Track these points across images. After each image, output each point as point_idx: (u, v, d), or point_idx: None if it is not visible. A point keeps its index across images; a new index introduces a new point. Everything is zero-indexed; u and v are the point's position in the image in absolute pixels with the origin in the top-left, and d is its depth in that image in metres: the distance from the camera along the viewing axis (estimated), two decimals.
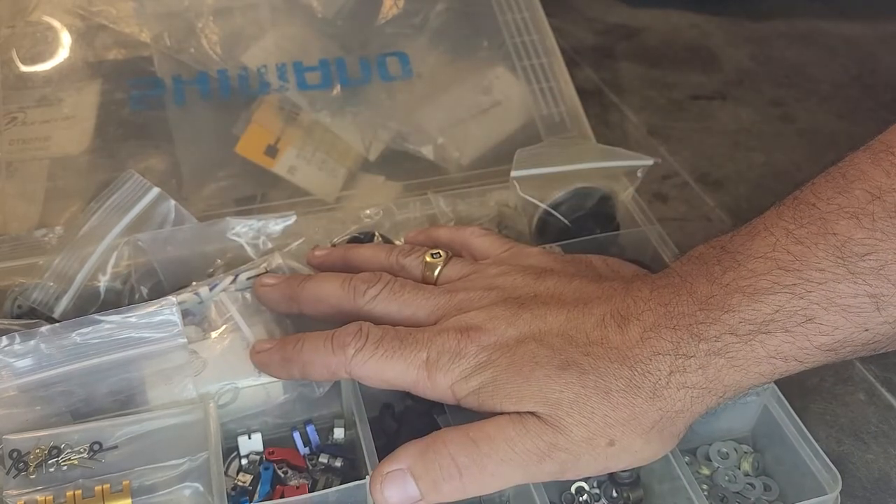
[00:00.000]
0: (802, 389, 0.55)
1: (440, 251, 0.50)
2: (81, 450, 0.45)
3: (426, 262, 0.50)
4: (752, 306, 0.39)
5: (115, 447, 0.45)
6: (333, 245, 0.57)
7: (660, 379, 0.41)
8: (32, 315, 0.52)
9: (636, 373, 0.41)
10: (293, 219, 0.56)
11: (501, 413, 0.42)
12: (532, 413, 0.41)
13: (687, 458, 0.48)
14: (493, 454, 0.41)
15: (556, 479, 0.43)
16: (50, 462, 0.44)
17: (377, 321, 0.46)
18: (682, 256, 0.45)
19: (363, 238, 0.58)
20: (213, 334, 0.49)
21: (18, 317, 0.52)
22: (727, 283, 0.40)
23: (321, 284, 0.49)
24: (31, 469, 0.44)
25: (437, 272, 0.50)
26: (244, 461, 0.48)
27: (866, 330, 0.38)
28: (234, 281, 0.52)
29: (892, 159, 0.38)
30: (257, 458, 0.48)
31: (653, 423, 0.41)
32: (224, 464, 0.46)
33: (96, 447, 0.45)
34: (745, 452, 0.50)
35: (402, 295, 0.47)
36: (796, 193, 0.41)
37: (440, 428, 0.48)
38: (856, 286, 0.37)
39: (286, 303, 0.50)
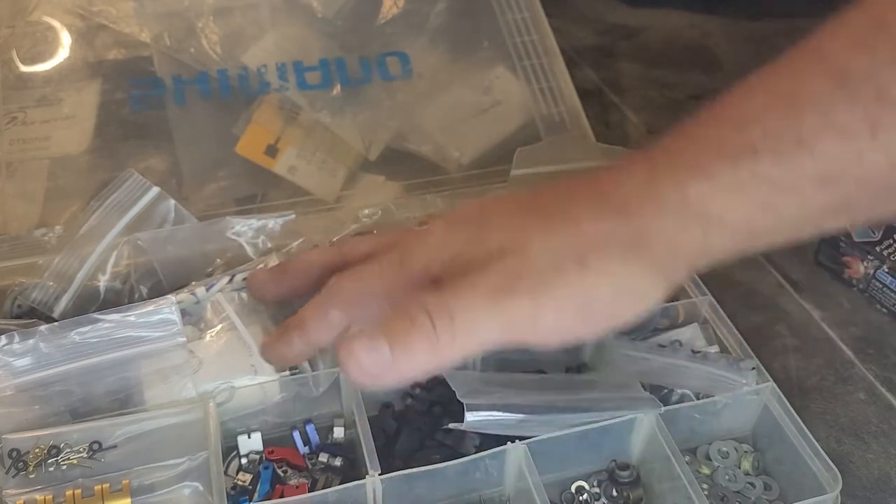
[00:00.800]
0: (802, 389, 0.55)
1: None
2: (81, 449, 0.45)
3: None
4: (735, 129, 0.37)
5: (115, 447, 0.45)
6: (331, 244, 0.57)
7: (631, 201, 0.38)
8: (32, 315, 0.52)
9: (605, 197, 0.38)
10: (293, 216, 0.56)
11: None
12: (500, 252, 0.38)
13: (687, 458, 0.48)
14: (460, 297, 0.37)
15: (536, 332, 0.38)
16: (49, 461, 0.44)
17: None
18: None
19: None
20: (210, 334, 0.49)
21: (18, 316, 0.52)
22: (707, 122, 0.38)
23: (308, 255, 0.49)
24: (30, 468, 0.44)
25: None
26: (244, 460, 0.48)
27: (860, 159, 0.35)
28: (230, 281, 0.52)
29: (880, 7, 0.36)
30: (257, 457, 0.48)
31: (626, 243, 0.37)
32: (224, 463, 0.46)
33: (95, 447, 0.45)
34: (746, 452, 0.50)
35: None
36: (797, 44, 0.39)
37: (440, 427, 0.48)
38: (853, 109, 0.35)
39: (276, 284, 0.49)
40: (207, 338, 0.49)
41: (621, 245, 0.37)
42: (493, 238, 0.39)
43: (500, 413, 0.44)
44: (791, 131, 0.36)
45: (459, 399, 0.44)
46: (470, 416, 0.43)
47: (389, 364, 0.37)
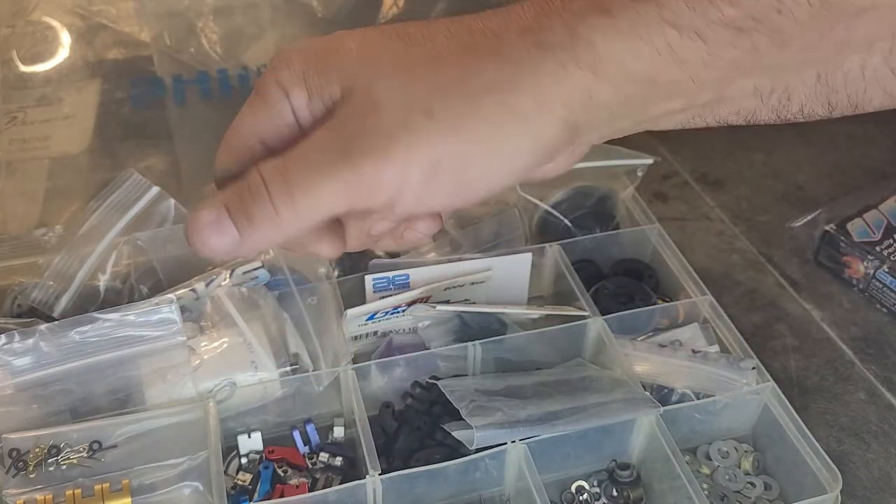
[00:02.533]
0: (802, 389, 0.55)
1: None
2: (81, 449, 0.45)
3: None
4: None
5: (115, 446, 0.45)
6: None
7: (506, 37, 0.32)
8: (32, 314, 0.52)
9: (476, 33, 0.32)
10: None
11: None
12: (344, 100, 0.33)
13: (687, 458, 0.48)
14: (297, 162, 0.33)
15: (385, 198, 0.32)
16: (49, 461, 0.44)
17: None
18: None
19: None
20: (210, 331, 0.49)
21: (18, 316, 0.52)
22: None
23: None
24: (30, 468, 0.44)
25: None
26: (244, 460, 0.48)
27: (780, 3, 0.30)
28: (230, 276, 0.52)
29: None
30: (257, 456, 0.48)
31: (483, 87, 0.32)
32: (224, 463, 0.46)
33: (95, 446, 0.45)
34: (746, 451, 0.50)
35: None
36: None
37: (440, 426, 0.48)
38: None
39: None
40: (208, 335, 0.49)
41: (478, 90, 0.32)
42: (339, 81, 0.34)
43: (506, 429, 0.45)
44: None
45: (465, 418, 0.45)
46: (479, 438, 0.44)
47: (238, 241, 0.33)
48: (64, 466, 0.44)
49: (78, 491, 0.43)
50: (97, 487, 0.44)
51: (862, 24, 0.31)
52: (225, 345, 0.49)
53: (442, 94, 0.32)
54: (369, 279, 0.52)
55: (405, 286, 0.53)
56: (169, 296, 0.49)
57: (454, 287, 0.53)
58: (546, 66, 0.31)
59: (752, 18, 0.31)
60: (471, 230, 0.58)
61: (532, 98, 0.32)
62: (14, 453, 0.44)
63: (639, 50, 0.31)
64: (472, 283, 0.53)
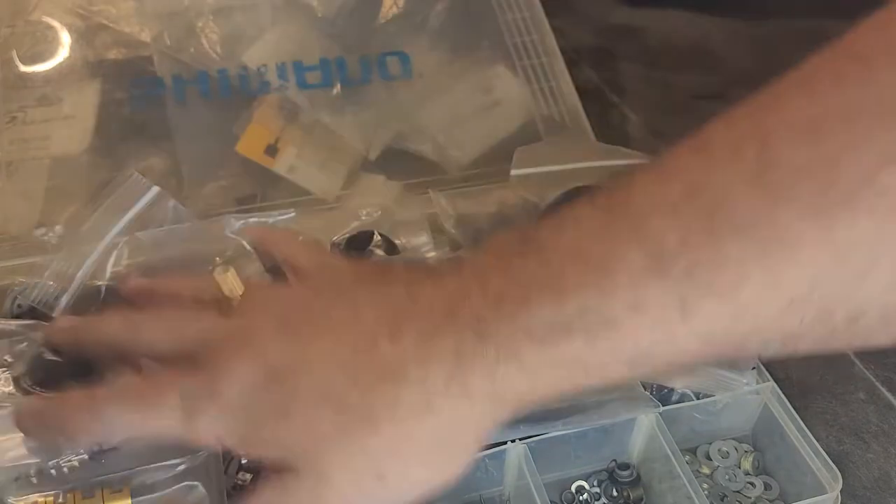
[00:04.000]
0: (802, 389, 0.55)
1: (236, 278, 0.43)
2: (81, 451, 0.45)
3: (222, 292, 0.43)
4: (551, 304, 0.34)
5: (115, 448, 0.45)
6: (333, 243, 0.57)
7: (435, 390, 0.35)
8: (32, 314, 0.52)
9: (406, 389, 0.35)
10: (292, 215, 0.56)
11: (267, 464, 0.38)
12: (292, 469, 0.36)
13: (687, 457, 0.48)
14: None
15: None
16: (51, 463, 0.44)
17: (156, 360, 0.41)
18: (478, 246, 0.38)
19: (362, 237, 0.58)
20: None
21: (18, 316, 0.52)
22: (526, 278, 0.35)
23: (103, 320, 0.44)
24: (31, 471, 0.44)
25: (234, 302, 0.43)
26: (244, 459, 0.48)
27: (672, 341, 0.34)
28: None
29: (711, 150, 0.34)
30: (263, 475, 0.48)
31: (429, 444, 0.36)
32: (223, 462, 0.46)
33: (96, 448, 0.45)
34: (746, 451, 0.50)
35: (179, 327, 0.41)
36: (614, 182, 0.36)
37: None
38: (664, 289, 0.33)
39: (72, 343, 0.46)
40: None
41: (423, 448, 0.36)
42: (288, 449, 0.37)
43: (507, 428, 0.45)
44: (604, 310, 0.34)
45: None
46: None
47: None
48: (65, 470, 0.44)
49: (78, 493, 0.43)
50: (97, 490, 0.43)
51: (750, 340, 0.35)
52: None
53: (389, 457, 0.36)
54: None
55: None
56: None
57: None
58: (474, 414, 0.36)
59: (650, 353, 0.35)
60: (470, 230, 0.58)
61: (473, 436, 0.37)
62: None
63: (544, 386, 0.36)
64: None
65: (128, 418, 0.38)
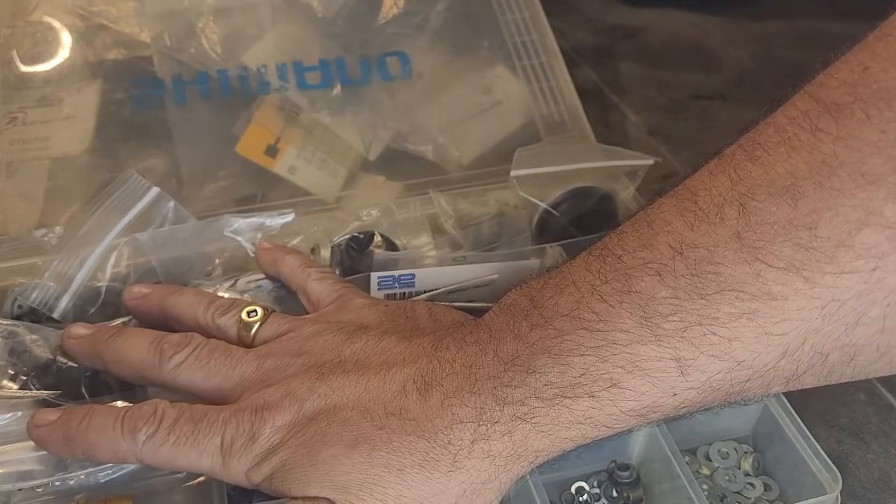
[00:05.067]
0: (802, 389, 0.55)
1: (258, 308, 0.46)
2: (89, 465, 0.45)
3: (242, 322, 0.46)
4: (557, 369, 0.37)
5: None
6: (332, 243, 0.57)
7: (461, 449, 0.38)
8: (32, 315, 0.52)
9: (434, 445, 0.38)
10: (291, 215, 0.56)
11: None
12: (324, 498, 0.38)
13: (687, 458, 0.48)
14: None
15: None
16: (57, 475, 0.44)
17: (183, 391, 0.43)
18: (496, 304, 0.42)
19: (362, 238, 0.58)
20: None
21: (18, 317, 0.52)
22: (533, 343, 0.38)
23: (127, 344, 0.45)
24: (36, 482, 0.44)
25: (253, 332, 0.46)
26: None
27: (674, 395, 0.36)
28: (233, 285, 0.52)
29: (696, 208, 0.35)
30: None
31: (455, 499, 0.38)
32: None
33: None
34: (746, 452, 0.50)
35: (209, 362, 0.43)
36: (605, 241, 0.39)
37: None
38: (659, 349, 0.35)
39: (91, 359, 0.47)
40: None
41: (450, 502, 0.38)
42: (318, 491, 0.38)
43: None
44: (605, 375, 0.36)
45: None
46: None
47: None
48: (72, 482, 0.44)
49: (82, 499, 0.43)
50: (101, 497, 0.43)
51: (751, 385, 0.36)
52: None
53: None
54: (374, 277, 0.52)
55: (411, 285, 0.53)
56: None
57: (459, 291, 0.53)
58: (497, 473, 0.38)
59: (654, 406, 0.37)
60: (471, 231, 0.59)
61: (494, 494, 0.39)
62: None
63: (561, 444, 0.39)
64: (477, 287, 0.54)
65: (163, 451, 0.40)
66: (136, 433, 0.40)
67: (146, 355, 0.44)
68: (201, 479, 0.44)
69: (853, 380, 0.37)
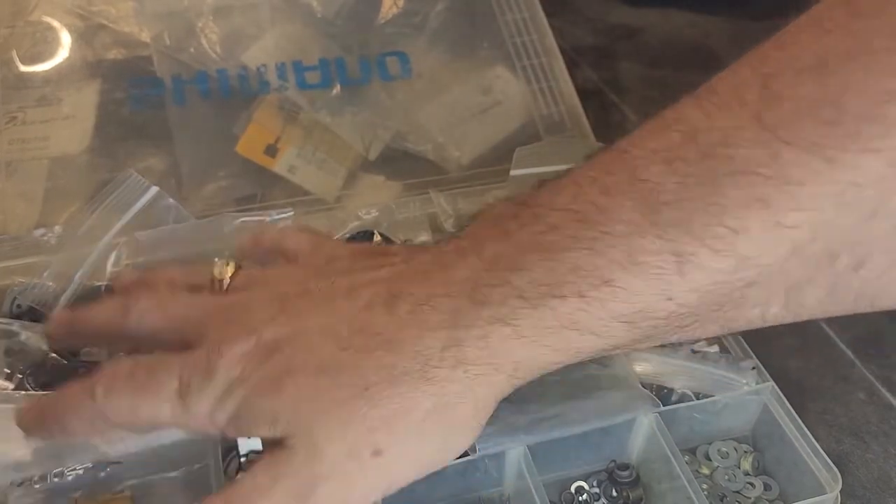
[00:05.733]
0: (802, 389, 0.55)
1: (230, 261, 0.43)
2: (87, 462, 0.45)
3: (213, 277, 0.42)
4: (546, 265, 0.33)
5: (119, 462, 0.45)
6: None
7: (430, 358, 0.34)
8: (31, 314, 0.52)
9: (402, 357, 0.34)
10: (290, 214, 0.56)
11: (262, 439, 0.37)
12: (285, 446, 0.35)
13: (686, 458, 0.48)
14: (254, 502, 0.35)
15: None
16: (55, 472, 0.44)
17: (149, 342, 0.40)
18: (479, 215, 0.38)
19: (362, 237, 0.58)
20: None
21: (17, 316, 0.52)
22: (520, 240, 0.34)
23: (96, 309, 0.42)
24: (34, 480, 0.44)
25: (224, 280, 0.42)
26: (243, 460, 0.48)
27: (669, 298, 0.33)
28: None
29: (714, 98, 0.33)
30: (256, 457, 0.48)
31: (425, 414, 0.34)
32: (224, 464, 0.46)
33: (101, 459, 0.45)
34: (745, 452, 0.50)
35: (172, 306, 0.40)
36: (614, 143, 0.36)
37: None
38: (660, 241, 0.32)
39: (71, 337, 0.45)
40: None
41: (419, 418, 0.35)
42: (281, 423, 0.35)
43: (507, 436, 0.45)
44: (597, 272, 0.33)
45: None
46: (480, 449, 0.44)
47: None
48: (70, 478, 0.44)
49: (81, 498, 0.43)
50: (99, 495, 0.43)
51: (752, 293, 0.33)
52: None
53: (386, 429, 0.34)
54: None
55: None
56: None
57: None
58: (473, 384, 0.35)
59: (646, 310, 0.34)
60: None
61: (471, 410, 0.35)
62: None
63: (544, 354, 0.35)
64: None
65: (122, 404, 0.37)
66: (95, 390, 0.37)
67: (111, 312, 0.41)
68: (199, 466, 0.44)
69: (856, 307, 0.34)
